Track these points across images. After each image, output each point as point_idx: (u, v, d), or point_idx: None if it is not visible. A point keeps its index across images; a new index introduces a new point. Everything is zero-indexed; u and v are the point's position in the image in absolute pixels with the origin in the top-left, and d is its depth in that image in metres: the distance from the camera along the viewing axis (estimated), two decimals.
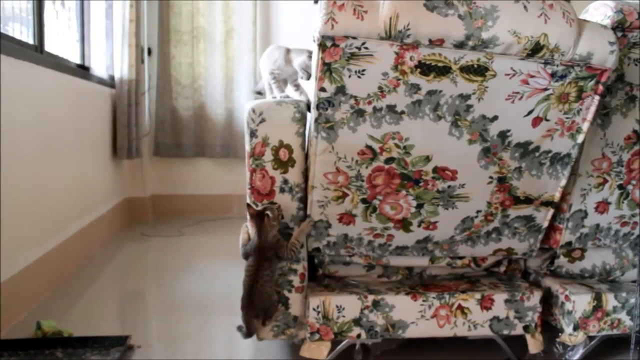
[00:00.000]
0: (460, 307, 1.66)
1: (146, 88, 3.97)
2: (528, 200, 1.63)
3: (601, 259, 1.84)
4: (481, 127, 1.48)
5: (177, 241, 3.44)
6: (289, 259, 1.58)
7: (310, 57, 1.72)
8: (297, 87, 1.85)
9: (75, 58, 3.28)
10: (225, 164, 4.17)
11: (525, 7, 1.37)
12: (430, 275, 1.82)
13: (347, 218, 1.60)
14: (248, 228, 1.62)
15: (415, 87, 1.41)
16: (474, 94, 1.43)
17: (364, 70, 1.38)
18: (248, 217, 1.58)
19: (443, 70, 1.40)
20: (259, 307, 1.56)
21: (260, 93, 2.08)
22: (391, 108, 1.44)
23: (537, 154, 1.55)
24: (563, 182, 1.61)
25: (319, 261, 1.74)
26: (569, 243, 1.76)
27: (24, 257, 2.14)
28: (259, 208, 1.56)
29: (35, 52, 2.49)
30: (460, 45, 1.37)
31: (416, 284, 1.76)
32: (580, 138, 1.54)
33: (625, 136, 1.64)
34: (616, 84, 1.58)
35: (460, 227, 1.65)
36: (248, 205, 1.58)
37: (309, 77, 1.72)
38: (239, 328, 1.61)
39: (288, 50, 1.84)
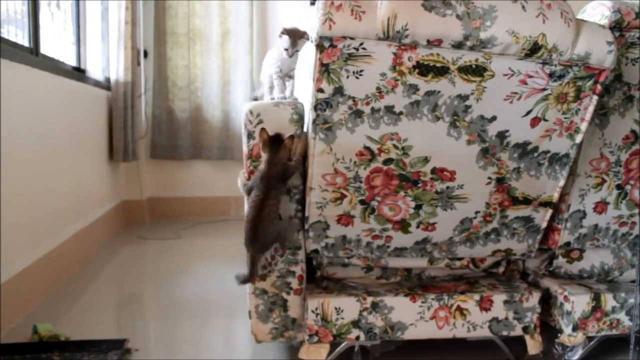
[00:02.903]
0: (459, 309, 1.66)
1: (142, 90, 3.96)
2: (527, 201, 1.63)
3: (600, 259, 1.84)
4: (480, 128, 1.48)
5: (174, 244, 3.43)
6: (296, 171, 1.56)
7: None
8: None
9: (70, 60, 3.27)
10: (222, 166, 4.16)
11: (523, 7, 1.36)
12: (429, 276, 1.81)
13: (345, 219, 1.59)
14: (244, 174, 1.61)
15: (414, 88, 1.41)
16: (472, 94, 1.43)
17: (362, 70, 1.38)
18: (260, 143, 1.52)
19: (441, 71, 1.39)
20: (264, 240, 1.51)
21: (257, 99, 2.07)
22: (389, 109, 1.43)
23: (535, 154, 1.54)
24: (561, 182, 1.61)
25: (318, 263, 1.73)
26: (568, 243, 1.76)
27: (21, 260, 2.12)
28: (272, 134, 1.51)
29: (31, 55, 2.48)
30: (458, 46, 1.36)
31: (415, 285, 1.76)
32: (578, 138, 1.54)
33: (623, 136, 1.64)
34: (614, 84, 1.58)
35: (459, 228, 1.65)
36: (263, 129, 1.51)
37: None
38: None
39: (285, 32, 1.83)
